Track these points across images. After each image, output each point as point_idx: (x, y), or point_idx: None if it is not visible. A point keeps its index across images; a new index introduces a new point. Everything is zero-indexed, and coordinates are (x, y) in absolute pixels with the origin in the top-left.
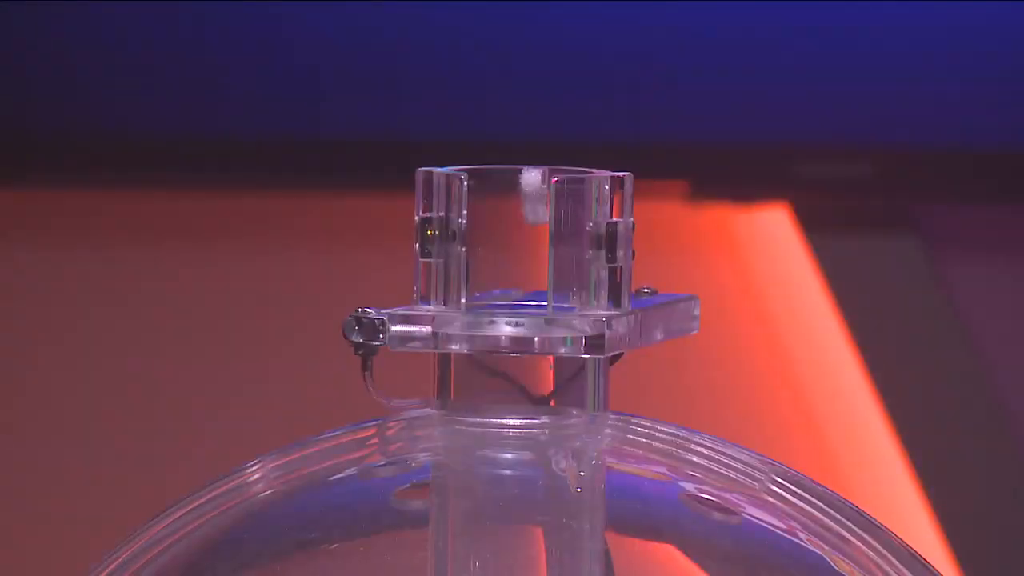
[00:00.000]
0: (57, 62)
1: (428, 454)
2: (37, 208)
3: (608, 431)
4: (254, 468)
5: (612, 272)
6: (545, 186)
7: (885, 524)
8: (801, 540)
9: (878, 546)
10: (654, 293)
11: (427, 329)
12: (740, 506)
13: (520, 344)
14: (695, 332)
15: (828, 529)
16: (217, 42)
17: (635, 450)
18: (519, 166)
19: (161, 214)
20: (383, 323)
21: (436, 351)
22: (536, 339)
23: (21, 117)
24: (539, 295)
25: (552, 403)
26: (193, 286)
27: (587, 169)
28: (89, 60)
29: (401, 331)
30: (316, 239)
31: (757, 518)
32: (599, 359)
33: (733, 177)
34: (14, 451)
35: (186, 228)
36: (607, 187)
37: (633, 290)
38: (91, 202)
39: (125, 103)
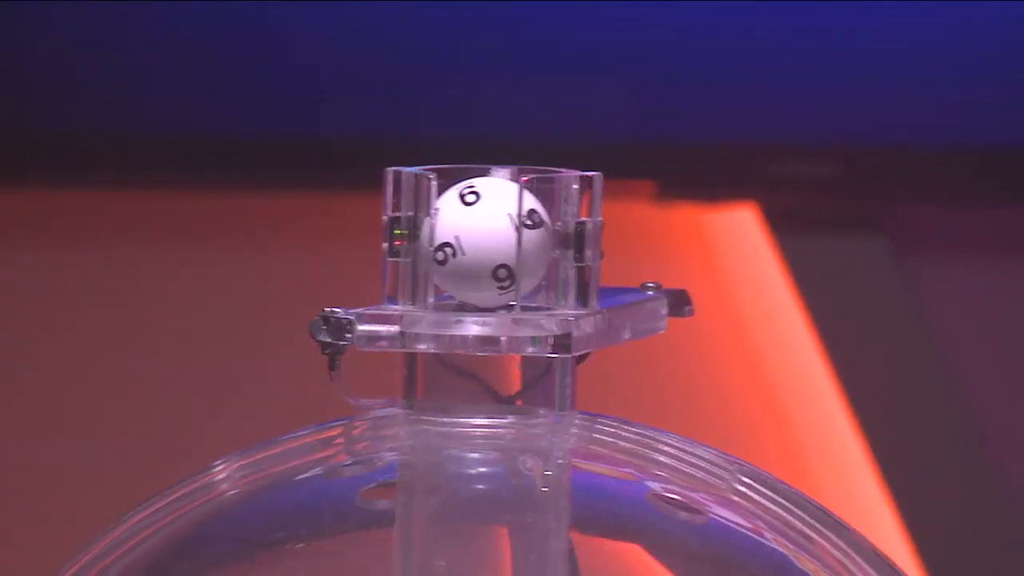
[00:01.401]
0: (57, 62)
1: (394, 453)
2: (37, 208)
3: (574, 431)
4: (219, 468)
5: (580, 271)
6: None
7: (850, 523)
8: (766, 539)
9: (843, 545)
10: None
11: (394, 328)
12: (706, 505)
13: (487, 343)
14: (663, 331)
15: (793, 528)
16: (217, 42)
17: (601, 450)
18: (487, 166)
19: (161, 214)
20: (350, 322)
21: (403, 350)
22: (503, 338)
23: (21, 117)
24: None
25: (519, 403)
26: (193, 286)
27: (556, 169)
28: (89, 60)
29: (368, 330)
30: (316, 239)
31: (723, 517)
32: (566, 359)
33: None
34: (14, 451)
35: (186, 228)
36: (575, 187)
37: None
38: (91, 202)
39: (125, 103)
